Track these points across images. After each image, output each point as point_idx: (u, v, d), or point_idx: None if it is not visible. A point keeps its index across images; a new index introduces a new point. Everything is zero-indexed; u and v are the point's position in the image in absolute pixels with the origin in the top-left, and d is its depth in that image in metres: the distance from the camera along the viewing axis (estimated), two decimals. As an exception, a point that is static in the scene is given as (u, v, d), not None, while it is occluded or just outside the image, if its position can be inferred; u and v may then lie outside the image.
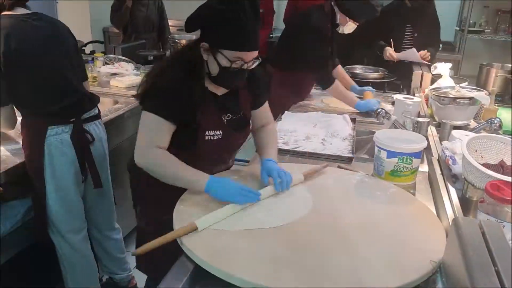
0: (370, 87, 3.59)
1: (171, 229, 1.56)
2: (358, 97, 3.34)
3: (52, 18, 2.47)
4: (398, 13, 4.22)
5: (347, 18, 3.08)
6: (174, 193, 1.75)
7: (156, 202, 1.98)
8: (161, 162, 1.77)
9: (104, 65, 4.18)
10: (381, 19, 4.31)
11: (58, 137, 2.36)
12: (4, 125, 2.36)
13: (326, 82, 3.24)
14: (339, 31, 3.16)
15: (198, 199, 1.71)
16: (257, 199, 1.69)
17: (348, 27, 3.12)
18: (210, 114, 1.85)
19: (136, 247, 2.11)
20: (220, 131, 1.87)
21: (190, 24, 1.79)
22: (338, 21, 3.12)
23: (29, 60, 2.27)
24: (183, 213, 1.64)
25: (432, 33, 4.27)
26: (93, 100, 2.56)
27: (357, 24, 3.12)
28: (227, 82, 1.85)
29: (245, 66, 1.76)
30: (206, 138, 1.85)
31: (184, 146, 1.84)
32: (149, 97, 1.80)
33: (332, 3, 3.12)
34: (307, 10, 3.29)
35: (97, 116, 2.57)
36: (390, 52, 4.10)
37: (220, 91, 1.89)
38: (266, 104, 2.11)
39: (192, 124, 1.81)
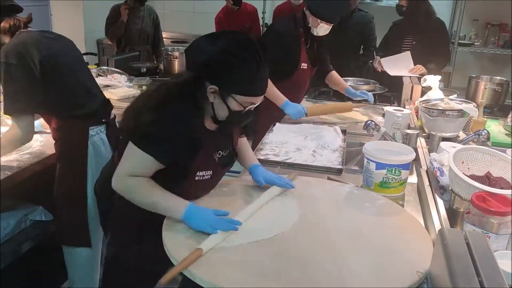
0: (366, 92, 3.57)
1: (153, 255, 1.60)
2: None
3: (60, 34, 2.60)
4: (401, 25, 4.29)
5: (318, 20, 3.07)
6: (154, 213, 1.69)
7: (133, 226, 1.88)
8: (139, 188, 1.68)
9: (97, 77, 4.19)
10: (390, 32, 4.39)
11: (99, 137, 2.50)
12: (25, 136, 2.31)
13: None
14: (314, 34, 3.16)
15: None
16: (236, 228, 1.58)
17: (322, 28, 3.10)
18: (203, 153, 1.77)
19: (105, 282, 2.07)
20: (211, 171, 1.82)
21: (198, 66, 1.69)
22: (310, 25, 3.13)
23: (62, 66, 2.39)
24: (170, 227, 1.63)
25: (436, 46, 4.24)
26: (110, 104, 2.69)
27: (330, 24, 3.09)
28: (235, 125, 1.83)
29: (252, 107, 1.73)
30: (196, 178, 1.79)
31: (169, 185, 1.72)
32: (143, 134, 1.68)
33: (304, 8, 3.14)
34: (276, 20, 3.31)
35: (114, 119, 2.68)
36: (377, 60, 4.16)
37: (213, 126, 1.81)
38: None
39: (185, 165, 1.74)
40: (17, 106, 2.25)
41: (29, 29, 2.41)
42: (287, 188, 1.93)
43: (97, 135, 2.49)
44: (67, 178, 2.44)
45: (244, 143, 2.12)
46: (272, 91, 3.18)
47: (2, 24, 2.31)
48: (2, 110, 2.32)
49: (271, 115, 3.21)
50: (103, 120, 2.53)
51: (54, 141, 2.47)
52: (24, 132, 2.28)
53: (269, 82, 3.14)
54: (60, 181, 2.46)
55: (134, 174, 1.68)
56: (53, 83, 2.33)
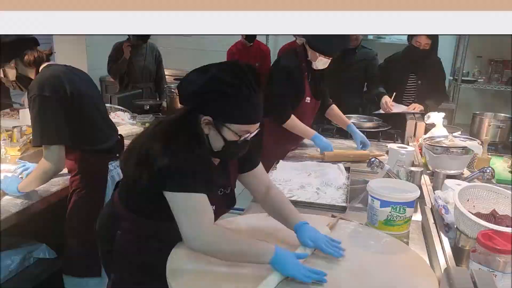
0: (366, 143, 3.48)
1: None
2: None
3: (81, 70, 2.68)
4: (402, 63, 4.28)
5: (317, 54, 3.12)
6: (157, 253, 1.68)
7: (137, 266, 1.83)
8: (220, 241, 1.60)
9: (101, 114, 4.21)
10: (385, 68, 4.40)
11: (116, 171, 2.56)
12: (57, 164, 2.35)
13: (281, 117, 3.26)
14: (314, 67, 3.21)
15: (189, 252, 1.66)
16: (325, 281, 1.54)
17: (321, 62, 3.15)
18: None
19: None
20: (214, 206, 1.72)
21: (190, 98, 1.67)
22: (309, 58, 3.17)
23: (88, 100, 2.48)
24: (175, 269, 1.61)
25: (436, 83, 4.25)
26: (123, 139, 2.74)
27: (329, 58, 3.14)
28: (232, 155, 1.76)
29: (248, 137, 1.68)
30: None
31: (168, 218, 1.63)
32: (176, 176, 1.60)
33: (304, 42, 3.19)
34: (279, 56, 3.35)
35: None
36: (386, 100, 4.12)
37: (216, 161, 1.80)
38: (261, 164, 1.98)
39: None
40: (49, 137, 2.30)
41: (51, 62, 2.46)
42: (335, 256, 1.72)
43: (115, 169, 2.56)
44: (83, 210, 2.46)
45: (284, 197, 2.01)
46: (300, 126, 3.28)
47: (26, 57, 2.37)
48: (32, 142, 2.37)
49: (274, 153, 3.22)
50: (117, 155, 2.58)
51: (70, 174, 2.50)
52: (56, 162, 2.33)
53: (295, 118, 3.24)
54: (74, 212, 2.48)
55: (205, 224, 1.59)
56: (80, 116, 2.40)
